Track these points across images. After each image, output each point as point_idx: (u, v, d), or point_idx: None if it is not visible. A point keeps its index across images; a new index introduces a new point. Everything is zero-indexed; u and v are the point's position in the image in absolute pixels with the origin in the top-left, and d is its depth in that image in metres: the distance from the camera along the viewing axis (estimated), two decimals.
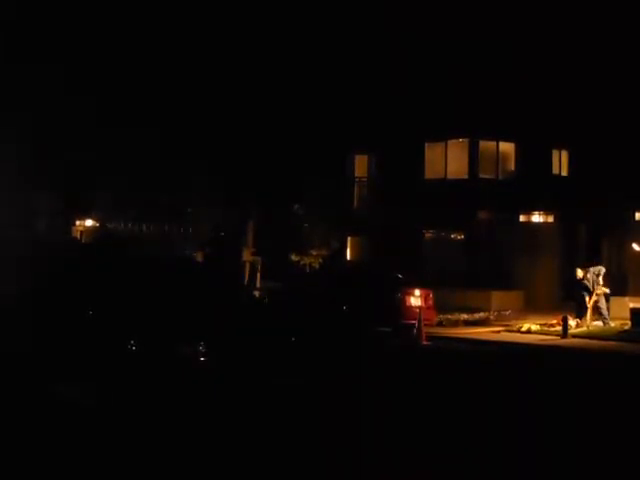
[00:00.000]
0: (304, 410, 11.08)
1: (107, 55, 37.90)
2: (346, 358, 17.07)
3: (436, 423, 11.19)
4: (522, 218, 34.69)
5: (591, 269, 25.21)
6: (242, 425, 10.37)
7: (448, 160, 33.61)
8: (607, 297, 25.25)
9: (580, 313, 24.80)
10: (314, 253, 32.27)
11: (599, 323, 24.70)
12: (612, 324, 24.59)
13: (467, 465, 9.09)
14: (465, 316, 25.99)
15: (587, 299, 24.75)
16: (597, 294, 24.76)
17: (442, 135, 33.39)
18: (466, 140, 33.31)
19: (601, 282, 24.91)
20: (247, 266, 29.21)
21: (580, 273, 25.13)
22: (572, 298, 25.49)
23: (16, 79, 35.49)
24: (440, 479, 8.64)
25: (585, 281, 24.92)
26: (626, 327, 23.63)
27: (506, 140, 33.76)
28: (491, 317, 26.62)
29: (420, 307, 22.26)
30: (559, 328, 23.32)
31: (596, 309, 24.81)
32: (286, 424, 10.61)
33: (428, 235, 33.39)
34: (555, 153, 35.47)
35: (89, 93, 36.94)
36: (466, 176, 33.20)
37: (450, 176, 33.45)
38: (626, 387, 15.02)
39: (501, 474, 8.94)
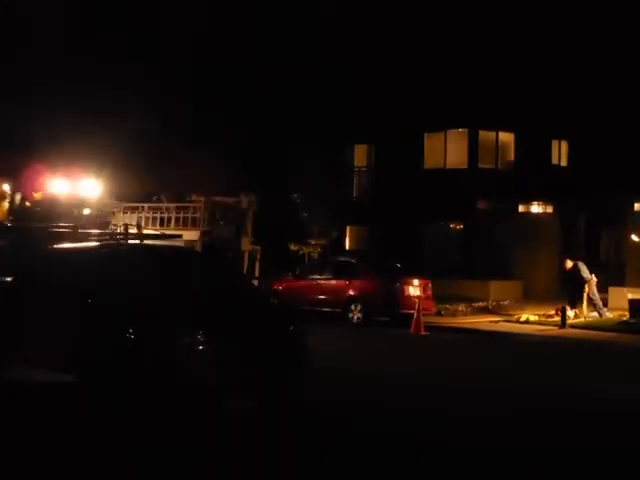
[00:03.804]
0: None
1: (109, 50, 37.82)
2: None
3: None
4: (521, 208, 34.73)
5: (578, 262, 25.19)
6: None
7: (447, 150, 33.63)
8: (599, 287, 25.19)
9: (573, 303, 24.64)
10: (313, 242, 32.26)
11: (595, 314, 24.69)
12: (609, 315, 24.61)
13: None
14: (464, 306, 26.02)
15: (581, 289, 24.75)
16: (591, 283, 24.71)
17: (441, 125, 33.38)
18: (465, 130, 33.33)
19: (586, 273, 24.85)
20: (246, 255, 29.16)
21: (569, 264, 25.08)
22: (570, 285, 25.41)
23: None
24: None
25: (575, 272, 24.87)
26: (624, 318, 23.65)
27: (506, 130, 33.77)
28: (490, 307, 26.66)
29: (419, 297, 22.29)
30: (557, 319, 23.38)
31: (589, 300, 24.72)
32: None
33: (427, 225, 33.40)
34: (555, 143, 35.50)
35: (90, 90, 36.89)
36: (465, 166, 33.22)
37: (449, 166, 33.47)
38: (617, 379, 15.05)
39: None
